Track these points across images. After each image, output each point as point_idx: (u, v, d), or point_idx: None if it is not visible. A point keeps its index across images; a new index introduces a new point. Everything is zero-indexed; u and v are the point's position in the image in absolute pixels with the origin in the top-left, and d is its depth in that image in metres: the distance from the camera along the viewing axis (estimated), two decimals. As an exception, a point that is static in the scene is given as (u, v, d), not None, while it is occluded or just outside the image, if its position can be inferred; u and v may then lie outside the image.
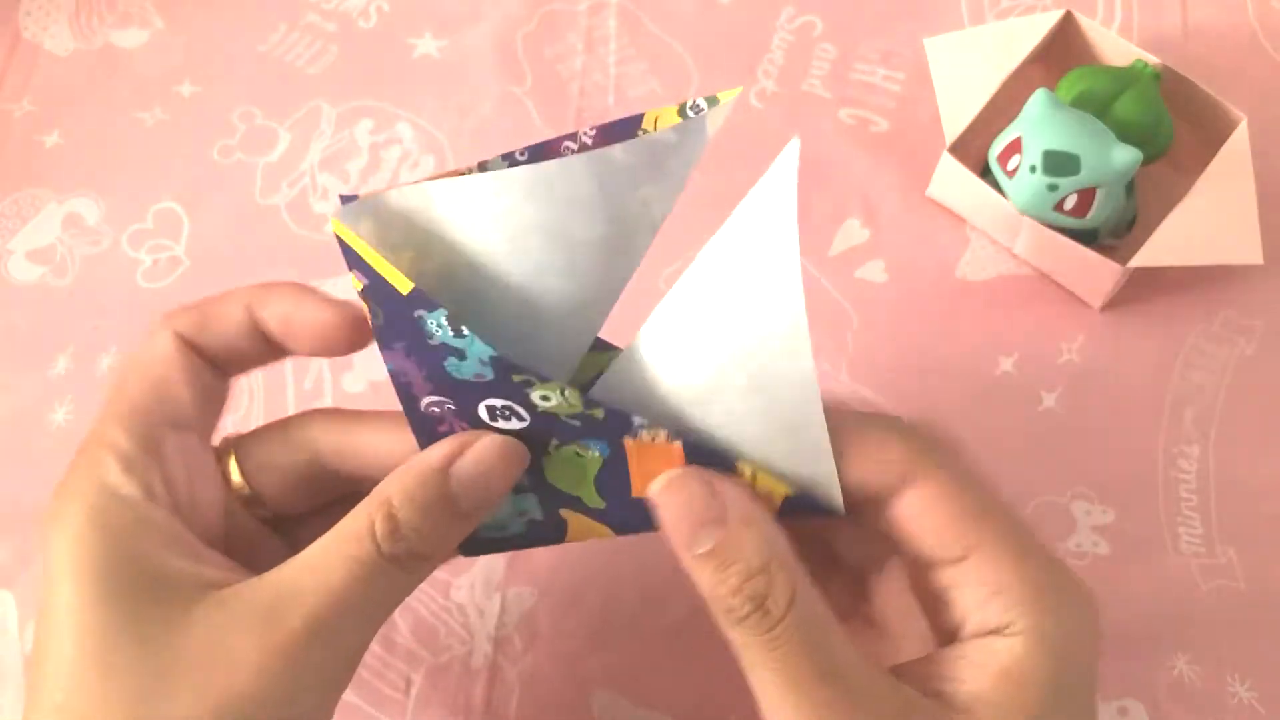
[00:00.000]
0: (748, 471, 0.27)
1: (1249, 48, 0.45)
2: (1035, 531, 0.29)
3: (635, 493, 0.28)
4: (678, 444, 0.27)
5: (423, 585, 0.37)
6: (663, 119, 0.26)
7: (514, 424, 0.27)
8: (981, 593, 0.27)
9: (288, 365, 0.41)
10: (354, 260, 0.26)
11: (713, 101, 0.25)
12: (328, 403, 0.40)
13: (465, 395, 0.27)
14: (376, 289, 0.26)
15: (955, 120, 0.41)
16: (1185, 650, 0.36)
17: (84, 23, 0.48)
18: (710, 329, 0.26)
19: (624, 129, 0.26)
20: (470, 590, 0.37)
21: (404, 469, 0.26)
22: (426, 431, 0.28)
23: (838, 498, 0.27)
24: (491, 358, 0.25)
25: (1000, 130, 0.39)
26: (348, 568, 0.25)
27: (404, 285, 0.25)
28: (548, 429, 0.27)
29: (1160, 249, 0.38)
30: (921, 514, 0.27)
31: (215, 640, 0.25)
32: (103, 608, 0.25)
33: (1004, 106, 0.40)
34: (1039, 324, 0.41)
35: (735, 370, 0.26)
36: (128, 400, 0.27)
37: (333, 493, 0.31)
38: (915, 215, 0.43)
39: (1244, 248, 0.38)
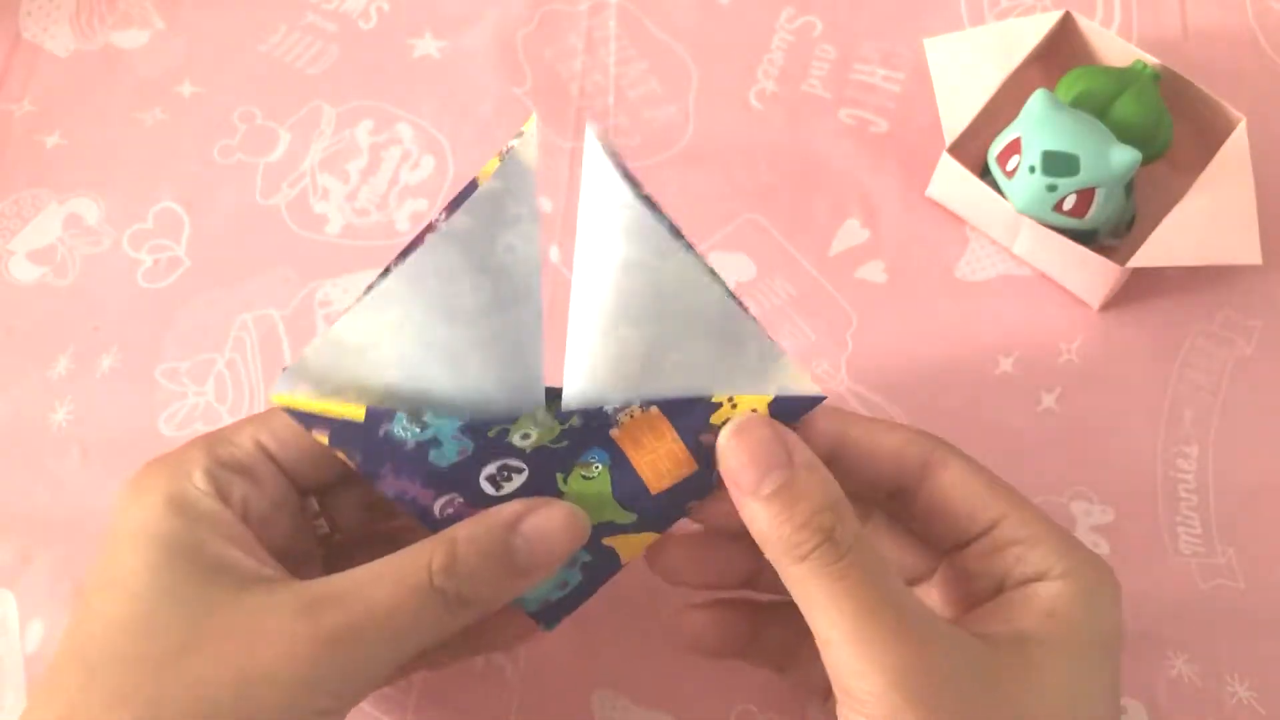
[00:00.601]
0: (725, 400, 0.29)
1: (1248, 48, 0.45)
2: None
3: (653, 489, 0.30)
4: (653, 409, 0.29)
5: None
6: (487, 171, 0.27)
7: (516, 482, 0.29)
8: (1019, 549, 0.29)
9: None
10: (308, 420, 0.28)
11: (519, 137, 0.27)
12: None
13: (463, 479, 0.29)
14: (341, 433, 0.28)
15: (955, 121, 0.41)
16: (1184, 649, 0.36)
17: (84, 23, 0.48)
18: (610, 302, 0.28)
19: (465, 194, 0.27)
20: (470, 590, 0.37)
21: (475, 518, 0.28)
22: None
23: (810, 383, 0.29)
24: (460, 428, 0.28)
25: (999, 131, 0.39)
26: (395, 587, 0.27)
27: (358, 413, 0.28)
28: (546, 467, 0.29)
29: (1159, 249, 0.38)
30: (950, 493, 0.30)
31: (253, 620, 0.26)
32: (157, 575, 0.27)
33: (1003, 107, 0.40)
34: (1038, 324, 0.41)
35: (651, 321, 0.28)
36: (253, 429, 0.30)
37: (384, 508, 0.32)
38: (915, 216, 0.43)
39: (1243, 248, 0.38)
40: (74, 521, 0.39)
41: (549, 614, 0.32)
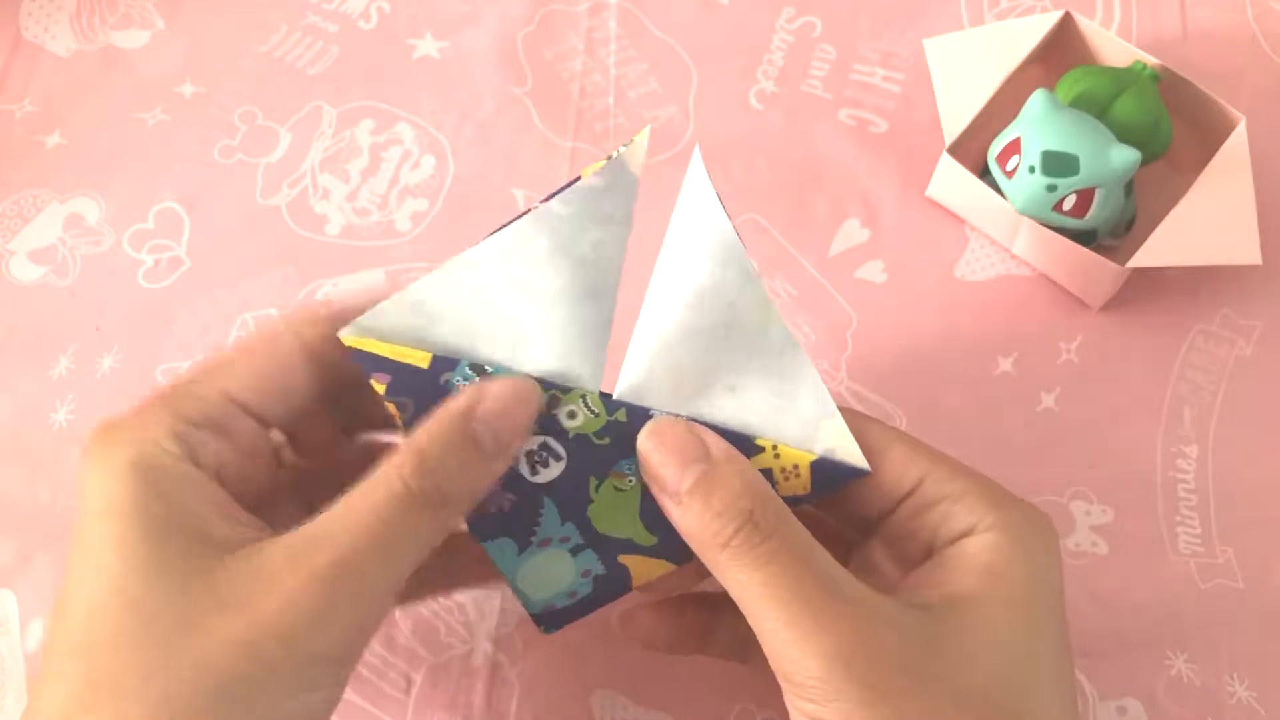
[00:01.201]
0: (769, 446, 0.29)
1: (1248, 49, 0.45)
2: None
3: None
4: None
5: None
6: (589, 172, 0.28)
7: (553, 471, 0.29)
8: (945, 505, 0.29)
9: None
10: (372, 363, 0.29)
11: (629, 144, 0.29)
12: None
13: None
14: (400, 380, 0.29)
15: (954, 121, 0.41)
16: (1184, 649, 0.36)
17: (85, 23, 0.48)
18: (682, 317, 0.29)
19: (567, 186, 0.28)
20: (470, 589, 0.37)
21: (432, 417, 0.27)
22: (478, 516, 0.30)
23: (858, 454, 0.29)
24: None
25: (999, 131, 0.39)
26: (377, 506, 0.26)
27: (423, 359, 0.29)
28: (585, 463, 0.29)
29: (1159, 249, 0.38)
30: (874, 459, 0.29)
31: (245, 583, 0.25)
32: (134, 549, 0.26)
33: (1003, 107, 0.40)
34: (1038, 324, 0.41)
35: (717, 344, 0.29)
36: (219, 379, 0.28)
37: (354, 427, 0.32)
38: (915, 216, 0.43)
39: (1242, 248, 0.38)
40: (75, 521, 0.39)
41: (552, 619, 0.32)
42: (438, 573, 0.30)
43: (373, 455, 0.28)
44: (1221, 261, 0.38)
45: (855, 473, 0.29)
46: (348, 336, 0.29)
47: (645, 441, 0.29)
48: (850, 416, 0.29)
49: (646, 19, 0.47)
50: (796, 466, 0.29)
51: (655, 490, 0.29)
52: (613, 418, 0.29)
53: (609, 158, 0.28)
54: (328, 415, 0.32)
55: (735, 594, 0.27)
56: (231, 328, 0.42)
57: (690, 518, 0.27)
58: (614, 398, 0.29)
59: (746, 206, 0.43)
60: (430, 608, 0.37)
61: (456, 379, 0.29)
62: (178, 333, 0.42)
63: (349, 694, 0.36)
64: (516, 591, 0.31)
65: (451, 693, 0.36)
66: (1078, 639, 0.36)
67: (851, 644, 0.25)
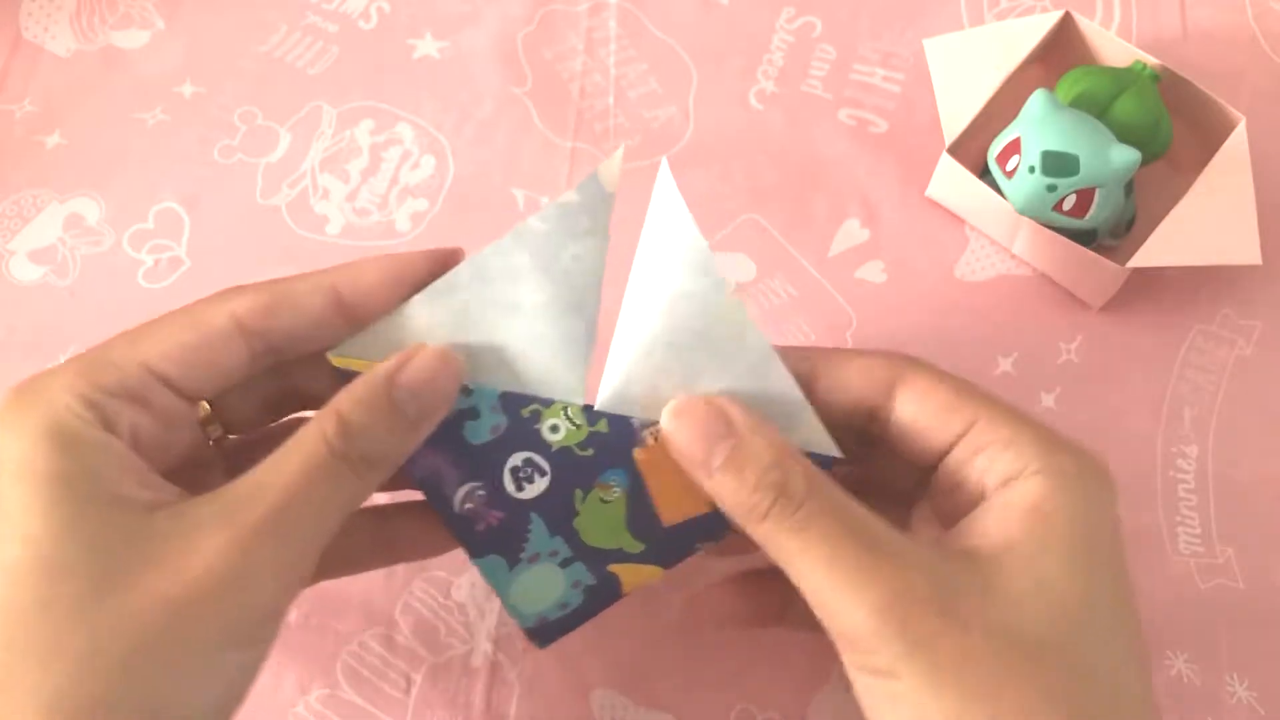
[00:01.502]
0: None
1: (1248, 49, 0.45)
2: None
3: (665, 520, 0.30)
4: None
5: (424, 585, 0.37)
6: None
7: (539, 486, 0.30)
8: (993, 450, 0.28)
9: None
10: None
11: (605, 161, 0.30)
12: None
13: (490, 465, 0.30)
14: None
15: (954, 121, 0.41)
16: (1184, 649, 0.36)
17: (85, 23, 0.48)
18: (659, 324, 0.29)
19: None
20: (470, 589, 0.37)
21: (357, 380, 0.28)
22: (467, 533, 0.30)
23: (828, 441, 0.29)
24: (500, 397, 0.30)
25: (999, 131, 0.39)
26: (302, 466, 0.26)
27: None
28: (569, 476, 0.30)
29: (1159, 249, 0.38)
30: (918, 406, 0.29)
31: (170, 539, 0.25)
32: (49, 511, 0.25)
33: (1003, 107, 0.40)
34: (1038, 324, 0.41)
35: (693, 349, 0.29)
36: (139, 349, 0.28)
37: (285, 406, 0.32)
38: (914, 216, 0.43)
39: (1242, 248, 0.38)
40: None
41: (545, 632, 0.32)
42: (336, 554, 0.30)
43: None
44: (1221, 261, 0.38)
45: (828, 461, 0.30)
46: (335, 357, 0.29)
47: (670, 422, 0.29)
48: (894, 360, 0.30)
49: (646, 19, 0.47)
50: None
51: (686, 467, 0.29)
52: (594, 429, 0.30)
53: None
54: (258, 390, 0.31)
55: (780, 561, 0.27)
56: (231, 328, 0.42)
57: (726, 494, 0.28)
58: (595, 409, 0.30)
59: (746, 206, 0.43)
60: (430, 608, 0.37)
61: None
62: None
63: (349, 694, 0.36)
64: (508, 607, 0.31)
65: (451, 693, 0.36)
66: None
67: (891, 593, 0.25)
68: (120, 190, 0.45)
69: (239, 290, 0.29)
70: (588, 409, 0.30)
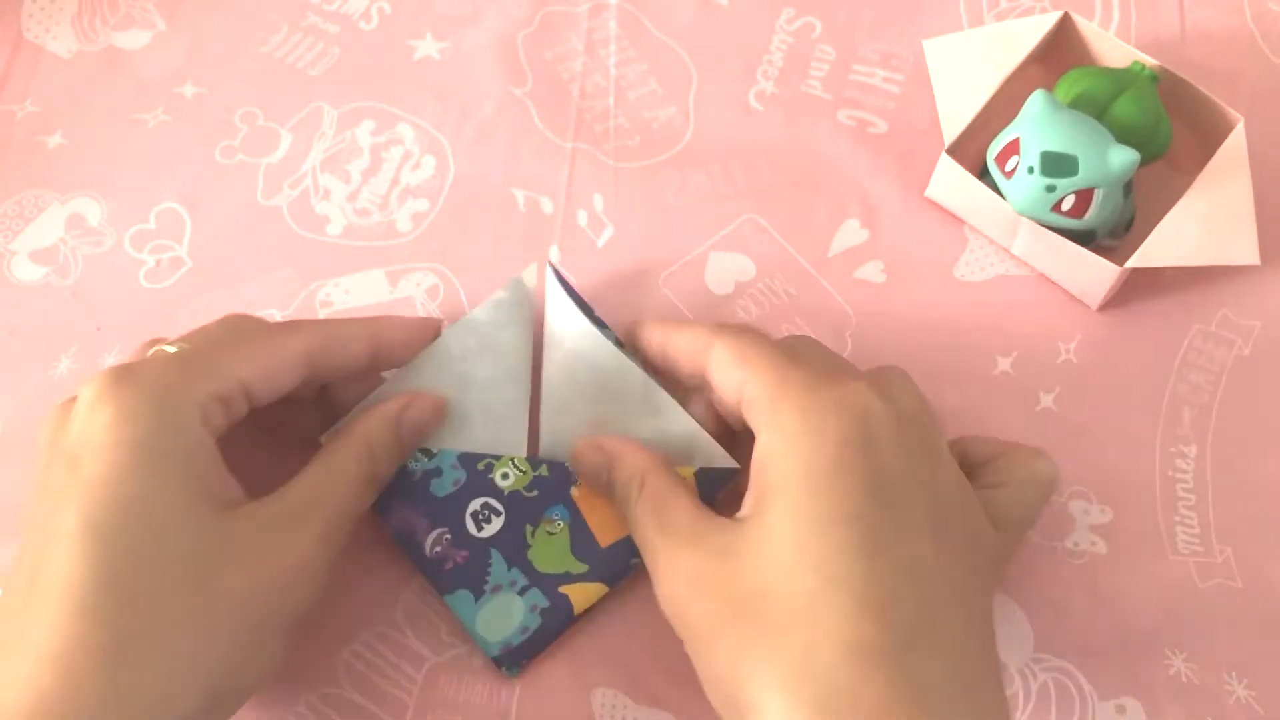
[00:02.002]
0: None
1: (1246, 50, 0.45)
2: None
3: (602, 542, 0.36)
4: None
5: (423, 584, 0.37)
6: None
7: (495, 523, 0.36)
8: (749, 410, 0.32)
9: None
10: None
11: (526, 269, 0.39)
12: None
13: (453, 512, 0.36)
14: None
15: (954, 121, 0.41)
16: (1182, 648, 0.36)
17: (86, 24, 0.48)
18: (570, 387, 0.37)
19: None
20: (471, 589, 0.37)
21: (371, 414, 0.35)
22: (438, 573, 0.36)
23: (725, 457, 0.36)
24: (458, 457, 0.37)
25: (998, 131, 0.39)
26: (348, 483, 0.34)
27: None
28: (520, 514, 0.36)
29: (1157, 250, 0.38)
30: (716, 374, 0.34)
31: (253, 539, 0.31)
32: (174, 500, 0.30)
33: (1002, 108, 0.40)
34: (1037, 324, 0.41)
35: (601, 401, 0.37)
36: (238, 365, 0.33)
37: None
38: (914, 216, 0.43)
39: (1241, 248, 0.38)
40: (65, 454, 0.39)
41: (511, 658, 0.36)
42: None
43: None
44: (1220, 262, 0.38)
45: (730, 473, 0.36)
46: (327, 438, 0.36)
47: (572, 464, 0.36)
48: (711, 332, 0.34)
49: (646, 20, 0.47)
50: (688, 480, 0.35)
51: (595, 489, 0.36)
52: (537, 473, 0.37)
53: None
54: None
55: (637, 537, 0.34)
56: (233, 328, 0.42)
57: (616, 501, 0.35)
58: (536, 457, 0.37)
59: (746, 207, 0.43)
60: (432, 607, 0.37)
61: (410, 463, 0.36)
62: (179, 333, 0.42)
63: (350, 693, 0.36)
64: (476, 638, 0.36)
65: (452, 692, 0.36)
66: (1077, 637, 0.36)
67: (682, 578, 0.31)
68: (121, 190, 0.45)
69: (300, 325, 0.35)
70: (531, 458, 0.37)
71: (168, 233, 0.44)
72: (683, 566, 0.31)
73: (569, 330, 0.38)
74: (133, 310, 0.43)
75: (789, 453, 0.30)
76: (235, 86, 0.46)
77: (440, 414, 0.37)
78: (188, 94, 0.46)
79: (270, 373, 0.33)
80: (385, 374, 0.38)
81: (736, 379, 0.33)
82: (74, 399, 0.32)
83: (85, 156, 0.46)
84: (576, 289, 0.39)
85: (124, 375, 0.31)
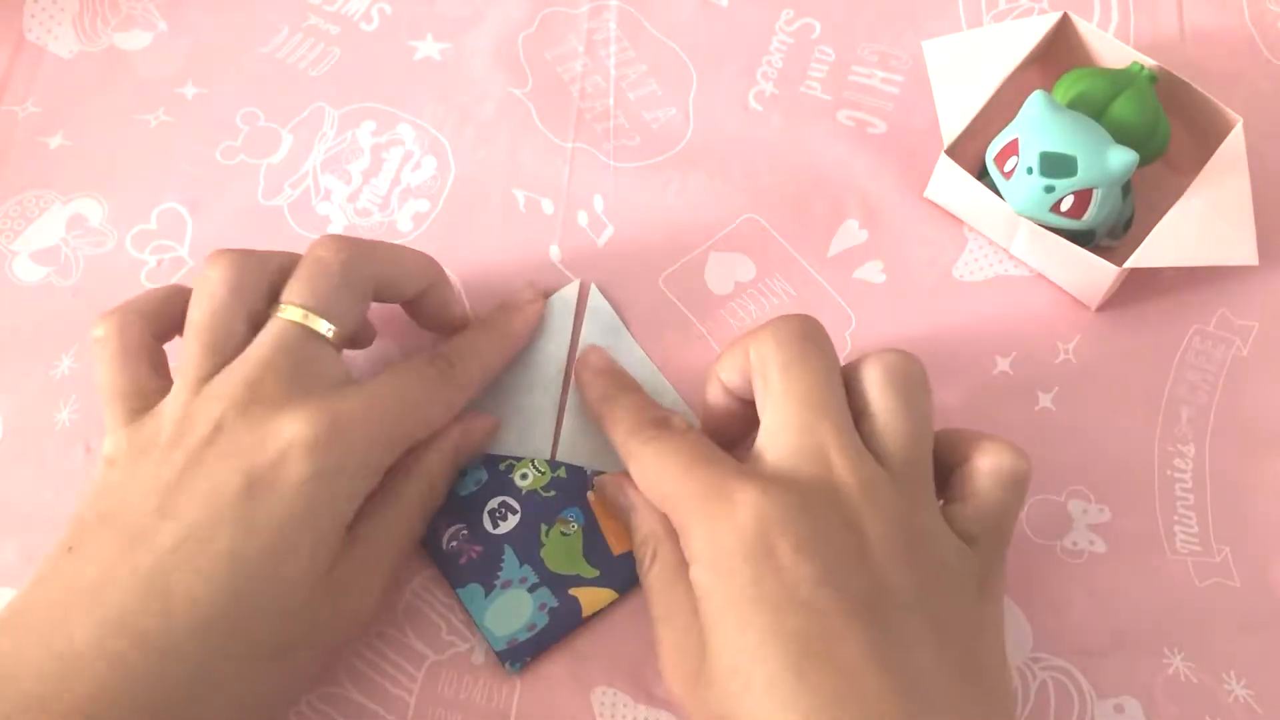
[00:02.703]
0: None
1: (1245, 50, 0.45)
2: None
3: (615, 550, 0.37)
4: None
5: (425, 583, 0.37)
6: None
7: (511, 521, 0.37)
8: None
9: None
10: None
11: (567, 285, 0.41)
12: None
13: (472, 509, 0.37)
14: None
15: (953, 122, 0.41)
16: (1181, 648, 0.36)
17: (88, 25, 0.48)
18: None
19: None
20: (472, 588, 0.37)
21: (431, 449, 0.36)
22: (452, 566, 0.37)
23: None
24: (482, 457, 0.38)
25: (997, 132, 0.39)
26: (411, 530, 0.36)
27: None
28: (536, 514, 0.37)
29: (1156, 250, 0.38)
30: (638, 510, 0.36)
31: (331, 623, 0.33)
32: (304, 562, 0.32)
33: (1001, 108, 0.41)
34: (1036, 324, 0.41)
35: None
36: (354, 272, 0.35)
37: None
38: (913, 216, 0.43)
39: (1239, 249, 0.38)
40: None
41: (515, 654, 0.36)
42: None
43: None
44: (1219, 262, 0.39)
45: None
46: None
47: (597, 497, 0.38)
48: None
49: (646, 20, 0.47)
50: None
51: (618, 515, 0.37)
52: (556, 475, 0.38)
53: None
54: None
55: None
56: (234, 328, 0.42)
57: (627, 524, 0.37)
58: (555, 460, 0.38)
59: (746, 206, 0.43)
60: (432, 605, 0.37)
61: None
62: (180, 333, 0.42)
63: (351, 692, 0.36)
64: (483, 630, 0.36)
65: (453, 691, 0.36)
66: (1075, 637, 0.36)
67: (679, 672, 0.32)
68: (123, 191, 0.45)
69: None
70: (551, 460, 0.38)
71: (169, 233, 0.44)
72: (682, 658, 0.32)
73: (608, 344, 0.40)
74: (134, 310, 0.43)
75: (711, 584, 0.31)
76: (236, 87, 0.47)
77: (494, 433, 0.39)
78: (189, 94, 0.47)
79: (362, 276, 0.36)
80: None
81: (658, 503, 0.34)
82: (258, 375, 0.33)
83: (87, 157, 0.46)
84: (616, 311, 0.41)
85: (330, 436, 0.32)
